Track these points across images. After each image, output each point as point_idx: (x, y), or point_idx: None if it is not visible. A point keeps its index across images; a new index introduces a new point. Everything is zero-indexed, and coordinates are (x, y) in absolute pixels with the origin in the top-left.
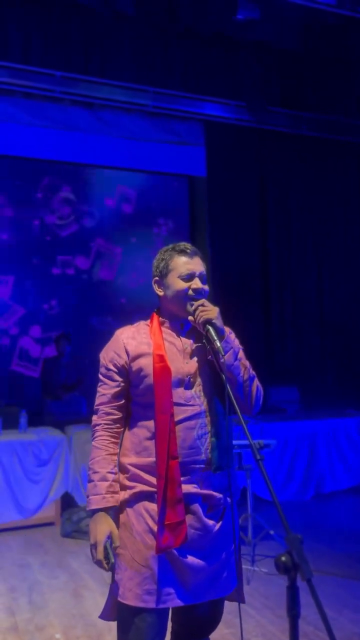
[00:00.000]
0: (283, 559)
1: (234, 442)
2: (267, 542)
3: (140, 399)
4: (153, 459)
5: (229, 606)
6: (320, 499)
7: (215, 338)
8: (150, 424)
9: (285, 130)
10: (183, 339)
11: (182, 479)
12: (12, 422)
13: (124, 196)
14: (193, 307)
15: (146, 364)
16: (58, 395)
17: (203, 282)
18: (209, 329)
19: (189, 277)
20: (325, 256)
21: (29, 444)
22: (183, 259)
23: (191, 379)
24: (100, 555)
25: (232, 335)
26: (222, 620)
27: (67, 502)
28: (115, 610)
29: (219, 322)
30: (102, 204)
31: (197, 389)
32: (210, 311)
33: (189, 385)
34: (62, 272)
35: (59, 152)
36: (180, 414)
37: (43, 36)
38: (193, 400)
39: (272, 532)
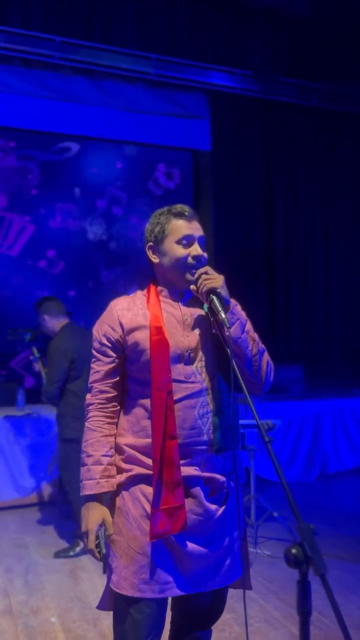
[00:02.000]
0: (294, 551)
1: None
2: (270, 524)
3: (137, 374)
4: (150, 439)
5: (231, 590)
6: (324, 480)
7: (220, 309)
8: (148, 402)
9: (293, 102)
10: (183, 308)
11: (182, 461)
12: (9, 399)
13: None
14: (195, 276)
15: (142, 337)
16: None
17: (202, 248)
18: (213, 299)
19: (188, 243)
20: (332, 233)
21: (27, 422)
22: (181, 222)
23: (192, 354)
24: (91, 544)
25: (238, 307)
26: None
27: None
28: (112, 600)
29: (224, 291)
30: (104, 179)
31: (199, 364)
32: (214, 279)
33: (189, 361)
34: (64, 224)
35: (58, 123)
36: (180, 391)
37: (43, 0)
38: (194, 376)
39: (275, 514)
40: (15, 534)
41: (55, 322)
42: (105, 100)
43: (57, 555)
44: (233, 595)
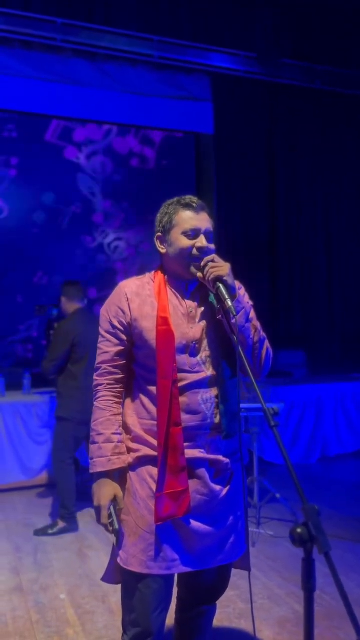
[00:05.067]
0: (299, 530)
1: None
2: (272, 505)
3: (144, 361)
4: (156, 422)
5: (243, 573)
6: (325, 462)
7: (227, 297)
8: (154, 388)
9: (297, 84)
10: (187, 301)
11: (187, 444)
12: (15, 383)
13: (127, 154)
14: (202, 263)
15: (148, 327)
16: None
17: (209, 240)
18: (219, 287)
19: (194, 235)
20: (335, 218)
21: (33, 406)
22: (188, 213)
23: (197, 345)
24: (104, 519)
25: (242, 291)
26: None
27: None
28: (118, 573)
29: (230, 279)
30: (106, 160)
31: (203, 354)
32: (221, 268)
33: (194, 352)
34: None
35: (60, 106)
36: (185, 380)
37: None
38: (198, 367)
39: (278, 495)
40: (23, 514)
41: (69, 305)
42: (106, 82)
43: (37, 533)
44: (237, 573)
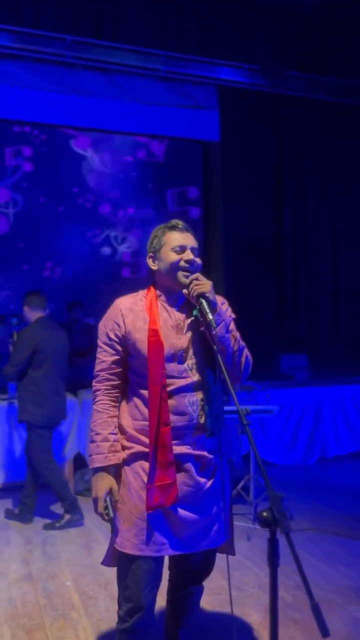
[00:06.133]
0: (265, 514)
1: (236, 408)
2: (268, 502)
3: (137, 368)
4: (147, 422)
5: (228, 559)
6: (324, 463)
7: (208, 311)
8: (146, 393)
9: (301, 95)
10: (177, 313)
11: (175, 441)
12: None
13: (137, 161)
14: (187, 281)
15: (141, 338)
16: (71, 361)
17: (195, 255)
18: (202, 302)
19: (181, 250)
20: (341, 224)
21: None
22: (175, 234)
23: (184, 354)
24: (100, 509)
25: (225, 306)
26: (220, 571)
27: (79, 462)
28: (116, 557)
29: (212, 295)
30: (115, 168)
31: (190, 362)
32: (203, 285)
33: (181, 360)
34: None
35: (71, 117)
36: (173, 385)
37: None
38: (185, 373)
39: None
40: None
41: (32, 314)
42: (117, 93)
43: (45, 527)
44: (230, 563)
